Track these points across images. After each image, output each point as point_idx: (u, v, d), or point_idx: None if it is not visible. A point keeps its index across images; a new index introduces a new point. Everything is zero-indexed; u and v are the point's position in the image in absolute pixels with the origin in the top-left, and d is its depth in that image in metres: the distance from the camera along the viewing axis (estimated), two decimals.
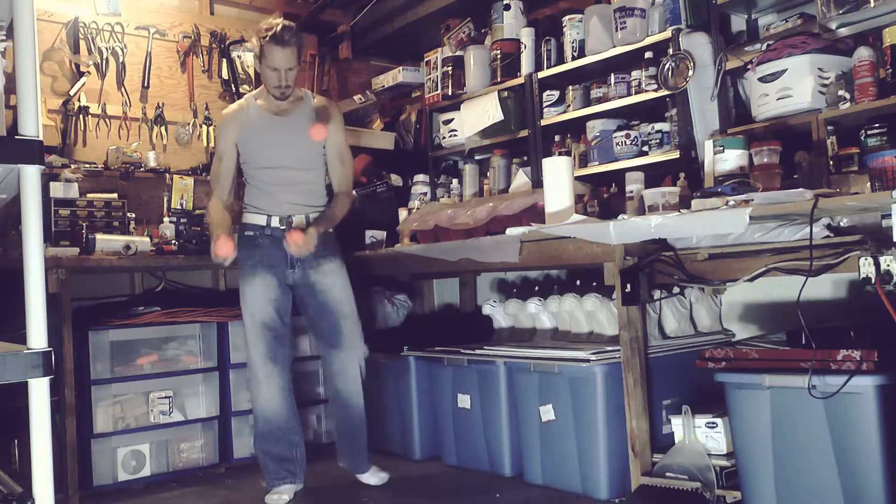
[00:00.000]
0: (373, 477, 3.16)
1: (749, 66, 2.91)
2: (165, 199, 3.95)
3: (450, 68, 4.19)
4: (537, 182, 3.55)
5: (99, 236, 3.32)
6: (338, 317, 3.07)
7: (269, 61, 2.92)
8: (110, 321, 3.35)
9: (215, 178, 3.09)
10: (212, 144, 4.16)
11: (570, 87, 3.70)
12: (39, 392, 1.34)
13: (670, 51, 3.15)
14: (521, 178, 3.68)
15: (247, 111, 3.05)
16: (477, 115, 3.99)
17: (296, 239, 2.82)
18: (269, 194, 3.02)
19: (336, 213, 3.08)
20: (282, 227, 2.98)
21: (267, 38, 2.89)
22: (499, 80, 3.92)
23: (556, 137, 3.79)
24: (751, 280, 2.44)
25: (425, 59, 4.43)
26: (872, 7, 2.51)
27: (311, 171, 3.08)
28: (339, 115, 3.20)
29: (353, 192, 3.13)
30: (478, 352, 3.21)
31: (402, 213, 3.92)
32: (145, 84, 4.04)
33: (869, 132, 2.57)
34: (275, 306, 3.01)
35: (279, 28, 2.89)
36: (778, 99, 2.77)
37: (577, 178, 3.31)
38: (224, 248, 2.85)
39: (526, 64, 3.83)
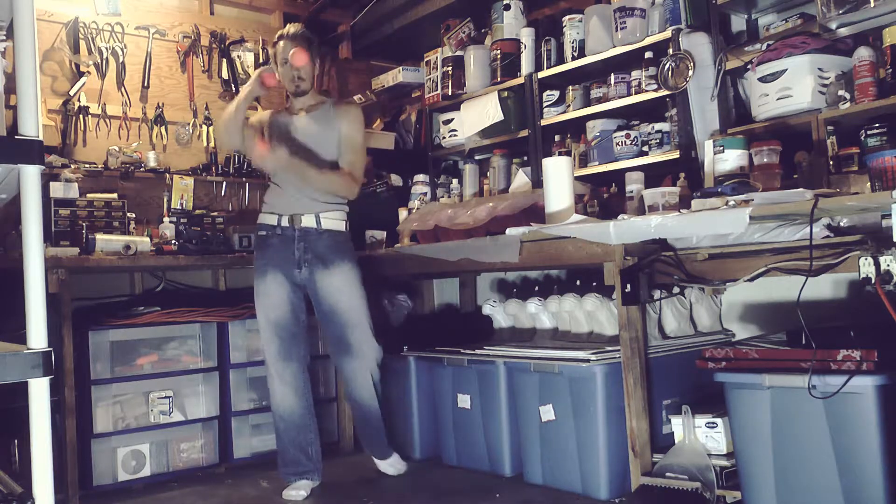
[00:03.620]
0: (389, 467, 3.27)
1: (749, 66, 2.91)
2: (165, 199, 3.96)
3: (450, 68, 4.19)
4: (537, 182, 3.55)
5: (99, 236, 3.32)
6: (344, 326, 3.09)
7: (281, 56, 3.08)
8: (110, 321, 3.35)
9: None
10: (212, 145, 4.20)
11: (570, 87, 3.70)
12: (39, 392, 1.34)
13: (670, 51, 3.15)
14: (521, 178, 3.67)
15: (277, 110, 3.30)
16: (477, 115, 3.99)
17: (260, 146, 2.94)
18: (283, 191, 3.09)
19: (325, 172, 3.05)
20: (291, 227, 3.05)
21: (277, 38, 3.12)
22: (499, 80, 3.92)
23: (556, 137, 3.79)
24: (751, 280, 2.43)
25: (425, 59, 4.43)
26: (872, 7, 2.51)
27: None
28: (358, 112, 3.27)
29: (357, 187, 3.14)
30: (478, 352, 3.20)
31: (402, 213, 3.91)
32: (145, 84, 4.04)
33: (869, 132, 2.57)
34: (287, 307, 3.06)
35: (288, 26, 3.14)
36: (778, 99, 2.77)
37: (577, 178, 3.30)
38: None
39: (526, 64, 3.83)
